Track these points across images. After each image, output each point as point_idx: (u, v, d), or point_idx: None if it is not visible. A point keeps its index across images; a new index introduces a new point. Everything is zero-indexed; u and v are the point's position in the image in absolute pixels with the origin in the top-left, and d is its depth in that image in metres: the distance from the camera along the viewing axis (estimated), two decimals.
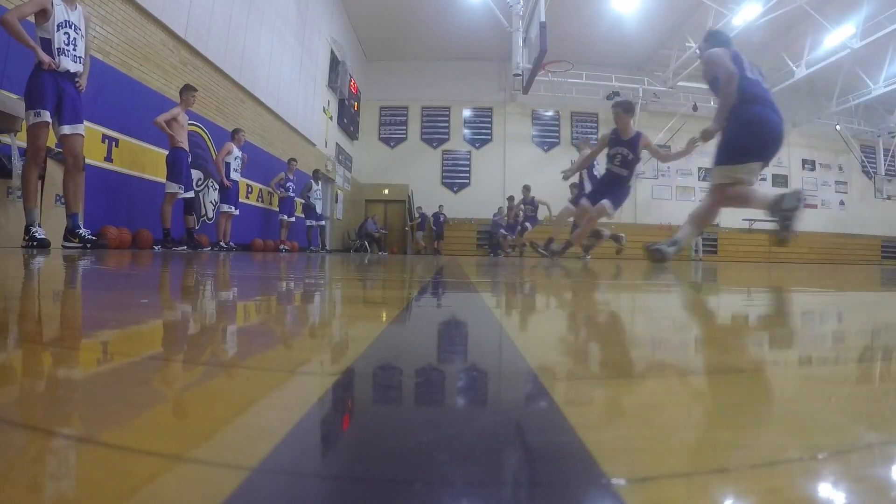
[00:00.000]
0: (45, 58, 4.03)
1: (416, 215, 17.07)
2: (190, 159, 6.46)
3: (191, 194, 6.54)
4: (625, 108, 5.97)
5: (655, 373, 0.61)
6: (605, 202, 5.99)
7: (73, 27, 4.22)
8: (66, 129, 4.23)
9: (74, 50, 4.25)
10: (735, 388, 0.56)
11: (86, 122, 4.48)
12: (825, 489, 0.28)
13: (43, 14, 4.05)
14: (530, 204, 13.79)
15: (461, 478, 0.27)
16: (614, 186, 6.11)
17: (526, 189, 13.91)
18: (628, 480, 0.27)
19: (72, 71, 4.23)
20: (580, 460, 0.30)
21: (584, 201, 6.45)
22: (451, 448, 0.31)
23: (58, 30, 4.10)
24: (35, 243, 4.01)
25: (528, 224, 13.56)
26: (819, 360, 0.76)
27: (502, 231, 14.62)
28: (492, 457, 0.30)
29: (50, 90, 4.08)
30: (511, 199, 14.63)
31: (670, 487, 0.27)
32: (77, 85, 4.30)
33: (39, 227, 4.10)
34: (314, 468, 0.29)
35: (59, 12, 4.11)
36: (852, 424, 0.41)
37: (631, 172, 6.05)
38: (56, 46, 4.10)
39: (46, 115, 4.03)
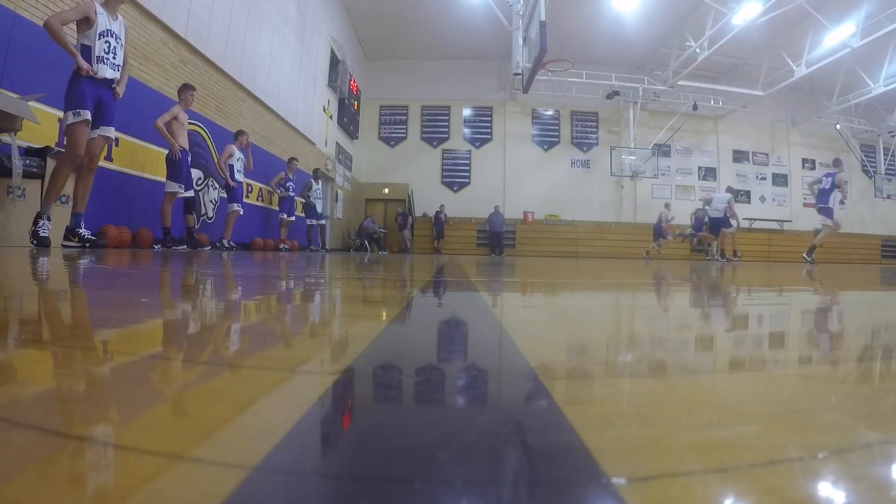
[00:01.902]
0: (84, 64, 4.11)
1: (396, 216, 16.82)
2: (190, 158, 6.46)
3: (191, 193, 6.53)
4: None
5: (655, 372, 0.61)
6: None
7: (114, 36, 4.33)
8: (97, 132, 4.34)
9: (114, 58, 4.35)
10: (735, 388, 0.56)
11: None
12: (825, 489, 0.28)
13: (86, 22, 4.14)
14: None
15: (461, 477, 0.27)
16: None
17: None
18: (628, 480, 0.27)
19: (109, 77, 4.33)
20: (580, 459, 0.30)
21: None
22: (451, 447, 0.31)
23: (99, 38, 4.19)
24: (35, 241, 4.04)
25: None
26: (819, 359, 0.76)
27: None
28: (492, 456, 0.30)
29: (89, 95, 4.17)
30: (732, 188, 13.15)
31: (670, 487, 0.27)
32: (114, 92, 4.40)
33: (48, 219, 4.13)
34: (314, 467, 0.29)
35: (102, 21, 4.21)
36: (852, 424, 0.41)
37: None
38: (95, 54, 4.20)
39: (87, 115, 4.13)
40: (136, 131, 6.15)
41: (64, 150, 4.22)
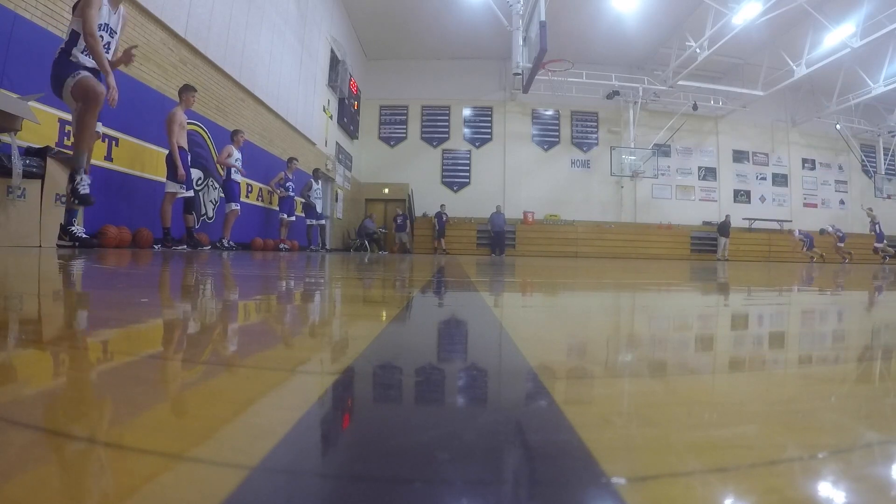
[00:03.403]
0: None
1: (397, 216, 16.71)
2: (190, 158, 6.46)
3: (190, 193, 6.53)
4: None
5: (655, 372, 0.61)
6: None
7: (108, 30, 4.21)
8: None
9: (106, 52, 4.21)
10: (735, 388, 0.56)
11: None
12: (825, 489, 0.28)
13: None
14: None
15: (461, 477, 0.27)
16: None
17: None
18: (628, 479, 0.27)
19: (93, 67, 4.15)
20: (580, 459, 0.30)
21: None
22: (452, 447, 0.31)
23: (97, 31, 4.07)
24: (77, 200, 4.00)
25: None
26: (819, 359, 0.76)
27: None
28: (492, 456, 0.30)
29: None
30: None
31: (670, 487, 0.27)
32: (109, 98, 4.17)
33: (85, 173, 4.03)
34: (314, 467, 0.29)
35: (104, 13, 4.10)
36: (852, 424, 0.41)
37: None
38: (82, 47, 4.03)
39: (87, 72, 3.96)
40: (136, 131, 6.15)
41: (85, 101, 3.99)
